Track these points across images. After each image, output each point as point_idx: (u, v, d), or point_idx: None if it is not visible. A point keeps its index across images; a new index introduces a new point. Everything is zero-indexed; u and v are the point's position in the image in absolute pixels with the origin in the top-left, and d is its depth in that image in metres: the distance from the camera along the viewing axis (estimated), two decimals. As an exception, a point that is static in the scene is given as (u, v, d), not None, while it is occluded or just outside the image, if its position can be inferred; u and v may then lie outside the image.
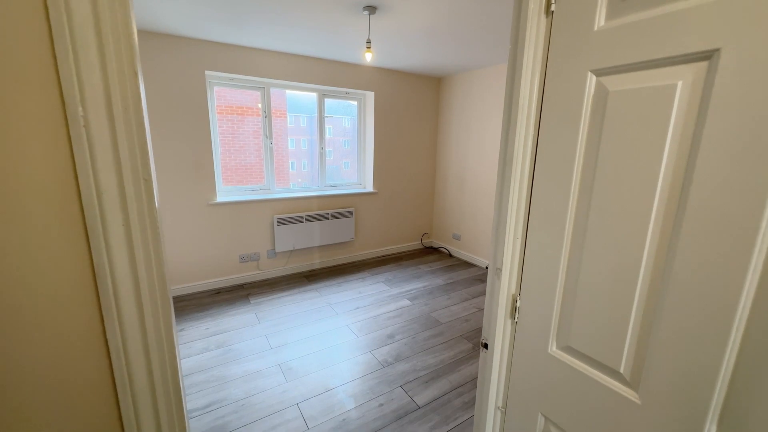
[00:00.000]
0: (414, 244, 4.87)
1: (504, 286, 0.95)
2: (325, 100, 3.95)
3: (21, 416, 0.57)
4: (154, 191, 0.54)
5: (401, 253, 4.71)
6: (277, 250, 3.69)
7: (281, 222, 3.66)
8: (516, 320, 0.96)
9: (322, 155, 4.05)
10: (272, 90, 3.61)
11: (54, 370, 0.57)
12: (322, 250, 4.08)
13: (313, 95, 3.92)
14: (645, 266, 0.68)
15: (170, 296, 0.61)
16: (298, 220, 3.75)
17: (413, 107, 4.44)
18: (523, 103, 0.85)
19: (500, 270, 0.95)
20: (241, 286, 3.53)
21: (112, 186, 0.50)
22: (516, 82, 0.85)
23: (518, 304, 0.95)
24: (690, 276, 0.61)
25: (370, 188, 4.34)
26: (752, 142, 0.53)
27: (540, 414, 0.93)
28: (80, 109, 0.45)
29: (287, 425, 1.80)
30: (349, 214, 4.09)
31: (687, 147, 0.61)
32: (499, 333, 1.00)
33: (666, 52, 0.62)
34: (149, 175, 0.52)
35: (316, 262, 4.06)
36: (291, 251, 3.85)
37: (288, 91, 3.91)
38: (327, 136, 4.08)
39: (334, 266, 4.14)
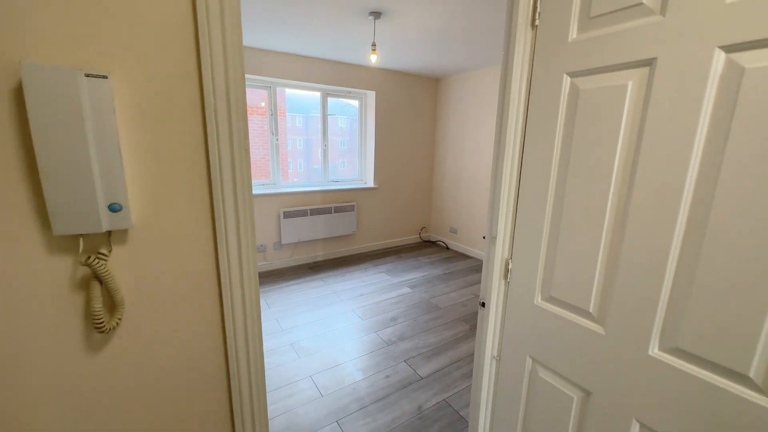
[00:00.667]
0: (413, 238, 5.06)
1: (498, 251, 1.14)
2: (328, 98, 4.13)
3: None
4: (249, 159, 0.74)
5: (401, 246, 4.90)
6: (283, 242, 3.86)
7: (287, 215, 3.83)
8: (508, 280, 1.15)
9: (325, 151, 4.23)
10: (278, 89, 3.77)
11: (186, 300, 0.83)
12: (325, 243, 4.25)
13: (317, 94, 4.09)
14: (607, 225, 0.87)
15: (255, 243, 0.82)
16: (302, 213, 3.93)
17: (412, 106, 4.63)
18: (513, 99, 1.04)
19: (495, 238, 1.14)
20: (249, 276, 3.69)
21: (227, 153, 0.69)
22: (508, 82, 1.04)
23: (510, 266, 1.14)
24: (637, 228, 0.80)
25: (371, 183, 4.53)
26: (677, 126, 0.72)
27: (528, 356, 1.12)
28: (212, 99, 0.64)
29: (303, 393, 1.98)
30: (351, 208, 4.27)
31: (636, 130, 0.80)
32: (495, 292, 1.19)
33: (620, 59, 0.81)
34: (248, 146, 0.71)
35: (320, 254, 4.23)
36: (296, 243, 4.02)
37: (287, 91, 4.08)
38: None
39: (337, 258, 4.32)
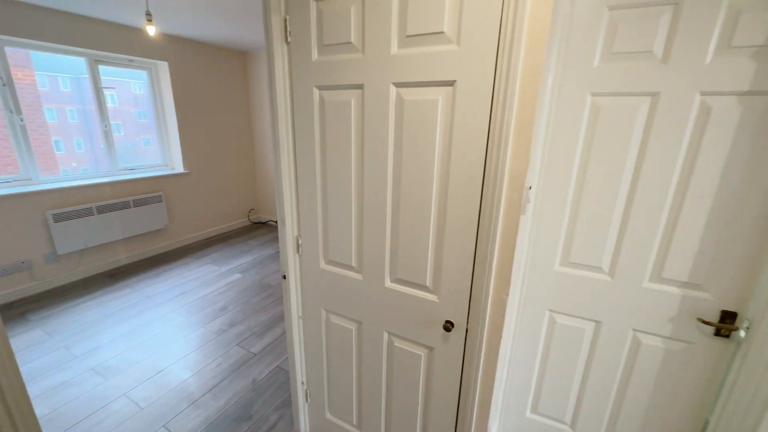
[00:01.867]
0: (241, 222, 4.88)
1: (289, 230, 1.36)
2: (100, 67, 3.32)
3: None
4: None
5: (228, 232, 4.65)
6: (59, 253, 3.05)
7: (60, 218, 3.01)
8: (300, 253, 1.40)
9: (108, 134, 3.46)
10: (8, 50, 2.77)
11: None
12: (128, 243, 3.60)
13: (81, 60, 3.22)
14: (354, 202, 1.20)
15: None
16: (86, 212, 3.17)
17: (221, 80, 4.27)
18: (281, 102, 1.22)
19: (284, 220, 1.35)
20: (9, 305, 2.78)
21: None
22: (274, 88, 1.21)
23: (300, 242, 1.38)
24: (370, 203, 1.16)
25: (180, 168, 4.03)
26: (380, 132, 1.07)
27: (322, 309, 1.42)
28: None
29: (117, 414, 1.79)
30: (158, 199, 3.73)
31: (360, 134, 1.12)
32: (292, 266, 1.42)
33: (344, 81, 1.10)
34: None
35: (123, 257, 3.57)
36: (83, 250, 3.25)
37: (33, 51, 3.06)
38: (110, 104, 3.45)
39: (148, 258, 3.75)
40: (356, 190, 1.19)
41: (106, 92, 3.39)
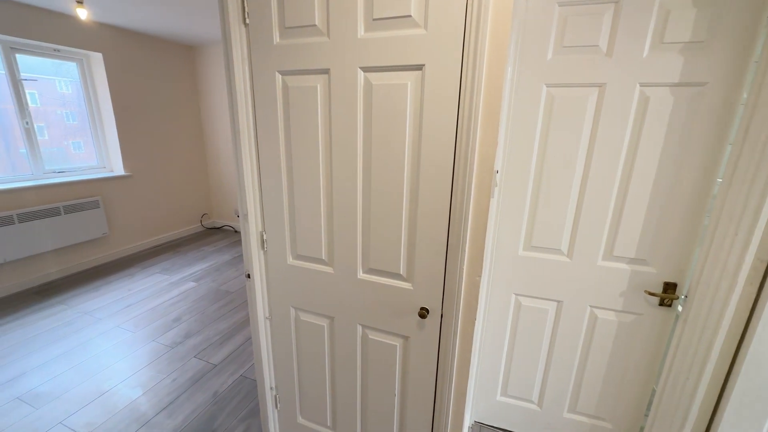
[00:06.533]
0: (193, 228, 4.56)
1: (252, 226, 1.29)
2: (18, 56, 2.93)
3: None
4: None
5: (179, 239, 4.32)
6: (-29, 269, 2.63)
7: (-30, 228, 2.60)
8: (265, 249, 1.32)
9: (30, 131, 3.05)
10: None
11: None
12: (60, 255, 3.20)
13: (-7, 48, 2.82)
14: (323, 195, 1.16)
15: None
16: (4, 221, 2.77)
17: (166, 76, 3.97)
18: (240, 89, 1.15)
19: (247, 215, 1.27)
20: None
21: None
22: (232, 74, 1.14)
23: (265, 237, 1.31)
24: (339, 197, 1.12)
25: (120, 171, 3.67)
26: (348, 116, 1.05)
27: (291, 307, 1.36)
28: None
29: (50, 446, 1.57)
30: (95, 205, 3.36)
31: (328, 119, 1.09)
32: (256, 263, 1.34)
33: (309, 65, 1.06)
34: None
35: (53, 270, 3.16)
36: (2, 265, 2.83)
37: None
38: (31, 105, 3.07)
39: (84, 270, 3.36)
40: (325, 179, 1.15)
41: (27, 87, 3.00)
